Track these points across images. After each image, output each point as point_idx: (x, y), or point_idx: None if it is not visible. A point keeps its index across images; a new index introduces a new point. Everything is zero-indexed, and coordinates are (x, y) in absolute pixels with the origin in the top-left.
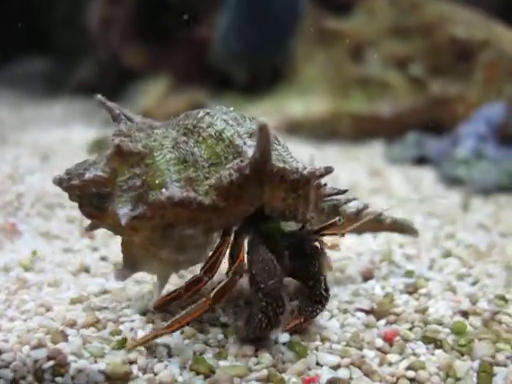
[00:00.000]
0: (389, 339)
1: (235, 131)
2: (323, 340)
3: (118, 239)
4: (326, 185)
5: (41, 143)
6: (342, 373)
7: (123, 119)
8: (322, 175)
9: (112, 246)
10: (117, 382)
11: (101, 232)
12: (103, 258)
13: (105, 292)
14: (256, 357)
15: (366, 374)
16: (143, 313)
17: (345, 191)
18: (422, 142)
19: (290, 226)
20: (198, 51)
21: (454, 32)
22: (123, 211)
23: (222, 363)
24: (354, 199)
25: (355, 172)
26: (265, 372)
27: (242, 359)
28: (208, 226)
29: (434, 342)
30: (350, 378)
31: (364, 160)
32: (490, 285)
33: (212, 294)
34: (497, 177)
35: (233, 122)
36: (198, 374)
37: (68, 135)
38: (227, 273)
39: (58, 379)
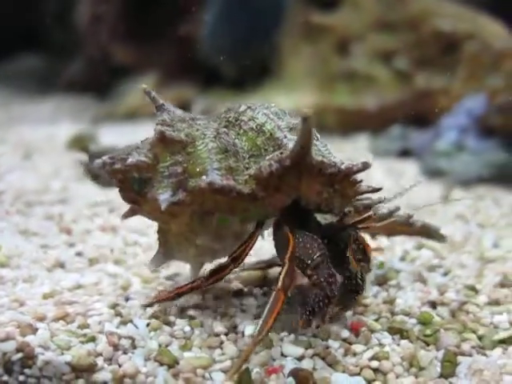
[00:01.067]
0: (355, 330)
1: (276, 125)
2: (290, 331)
3: (95, 235)
4: (361, 181)
5: (26, 141)
6: (306, 363)
7: (166, 109)
8: (359, 170)
9: (89, 241)
10: (82, 374)
11: (79, 228)
12: (79, 254)
13: (78, 287)
14: (221, 348)
15: (330, 365)
16: (112, 306)
17: (379, 189)
18: (406, 134)
19: (326, 219)
20: (186, 47)
21: (438, 25)
22: (163, 197)
23: (186, 354)
24: (387, 199)
25: None
26: (229, 363)
27: (206, 350)
28: (245, 215)
29: (399, 333)
30: (314, 369)
31: (348, 153)
32: (461, 275)
33: (280, 285)
34: (478, 168)
35: (274, 116)
36: (161, 364)
37: (54, 132)
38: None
39: (27, 371)
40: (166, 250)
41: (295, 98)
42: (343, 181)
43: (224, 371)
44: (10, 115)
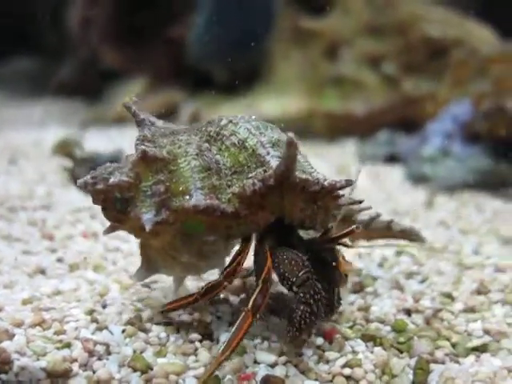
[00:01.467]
0: (328, 337)
1: (258, 140)
2: (263, 338)
3: (77, 240)
4: (343, 195)
5: (13, 145)
6: (279, 371)
7: (147, 124)
8: (342, 187)
9: (70, 247)
10: (57, 379)
11: (61, 234)
12: (60, 260)
13: (57, 293)
14: (195, 355)
15: (302, 372)
16: (89, 313)
17: (361, 202)
18: (393, 140)
19: (309, 234)
20: (176, 51)
21: (427, 31)
22: (147, 217)
23: (160, 360)
24: (369, 208)
25: (322, 170)
26: (202, 370)
27: (181, 357)
28: (228, 232)
29: (373, 340)
30: (286, 376)
31: (335, 158)
32: (438, 282)
33: (250, 306)
34: (462, 174)
35: (255, 130)
36: (134, 370)
37: (42, 137)
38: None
39: (3, 376)
40: (149, 265)
41: (284, 102)
42: (326, 197)
43: (197, 378)
44: (1, 119)
